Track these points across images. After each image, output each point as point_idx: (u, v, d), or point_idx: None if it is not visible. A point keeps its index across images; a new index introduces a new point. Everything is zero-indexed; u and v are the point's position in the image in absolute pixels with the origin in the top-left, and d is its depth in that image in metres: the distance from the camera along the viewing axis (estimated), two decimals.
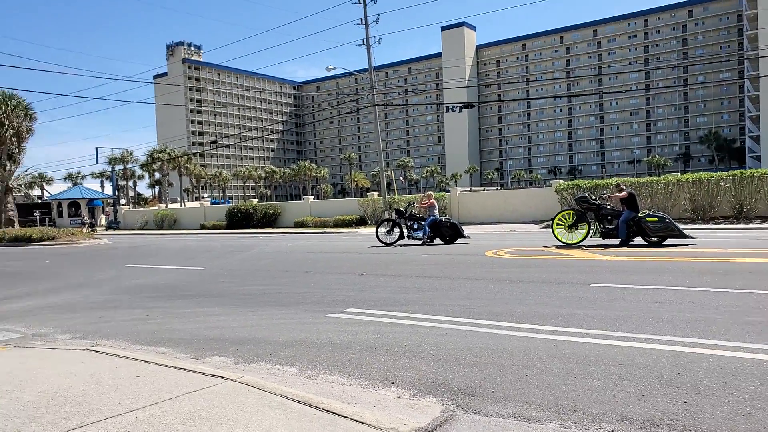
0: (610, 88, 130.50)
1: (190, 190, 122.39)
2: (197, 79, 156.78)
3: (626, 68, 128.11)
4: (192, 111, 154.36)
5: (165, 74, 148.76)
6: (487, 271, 10.35)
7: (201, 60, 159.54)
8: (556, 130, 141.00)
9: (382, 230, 17.44)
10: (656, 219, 12.95)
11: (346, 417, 3.58)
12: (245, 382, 4.17)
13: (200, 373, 4.42)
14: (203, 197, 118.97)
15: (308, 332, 6.11)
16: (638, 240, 13.44)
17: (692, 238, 13.09)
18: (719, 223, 19.57)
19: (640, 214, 13.20)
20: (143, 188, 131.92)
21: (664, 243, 13.02)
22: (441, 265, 11.45)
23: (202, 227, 37.09)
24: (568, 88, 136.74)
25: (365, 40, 31.11)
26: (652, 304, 6.64)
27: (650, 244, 13.05)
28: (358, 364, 4.89)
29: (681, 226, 13.65)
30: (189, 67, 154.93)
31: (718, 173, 21.35)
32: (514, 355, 4.89)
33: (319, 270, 11.69)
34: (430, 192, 19.16)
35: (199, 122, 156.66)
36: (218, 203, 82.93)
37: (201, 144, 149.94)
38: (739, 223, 19.25)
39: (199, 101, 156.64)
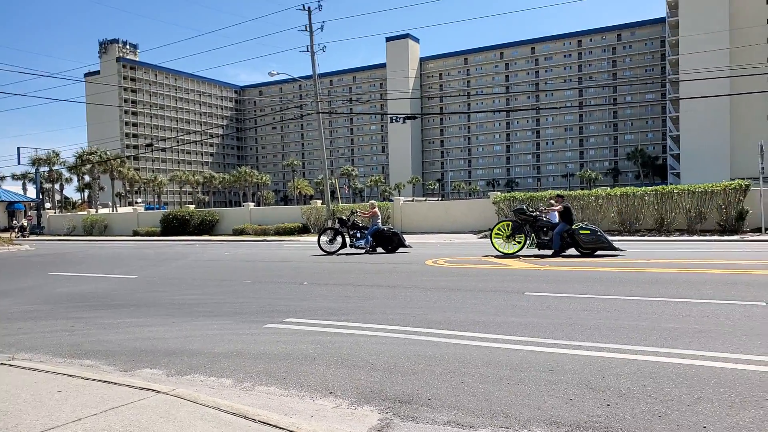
0: (546, 104, 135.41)
1: (123, 194, 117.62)
2: (133, 79, 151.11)
3: (561, 86, 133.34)
4: (126, 112, 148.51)
5: (97, 72, 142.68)
6: (427, 279, 10.49)
7: (137, 59, 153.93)
8: (494, 144, 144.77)
9: (324, 239, 17.37)
10: (588, 231, 13.54)
11: (282, 428, 3.55)
12: (177, 395, 4.06)
13: (129, 386, 4.26)
14: (137, 202, 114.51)
15: (245, 343, 6.01)
16: (572, 251, 14.00)
17: (621, 250, 13.75)
18: (643, 235, 20.61)
19: (573, 227, 13.76)
20: (71, 192, 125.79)
21: (596, 254, 13.62)
22: (382, 274, 11.52)
23: (135, 234, 35.73)
24: (507, 103, 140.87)
25: (309, 47, 31.02)
26: (581, 312, 6.93)
27: (582, 255, 13.61)
28: (296, 375, 4.86)
29: (610, 238, 14.32)
30: (124, 67, 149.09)
31: (643, 188, 22.50)
32: (451, 363, 4.99)
33: (259, 279, 11.51)
34: (373, 201, 19.26)
35: (134, 124, 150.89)
36: (153, 209, 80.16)
37: (135, 147, 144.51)
38: (661, 236, 20.34)
39: (134, 102, 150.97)
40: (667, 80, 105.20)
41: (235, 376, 4.90)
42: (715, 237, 18.88)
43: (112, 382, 4.34)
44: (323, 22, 31.53)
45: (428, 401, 4.12)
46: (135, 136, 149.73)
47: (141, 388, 4.17)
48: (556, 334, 5.83)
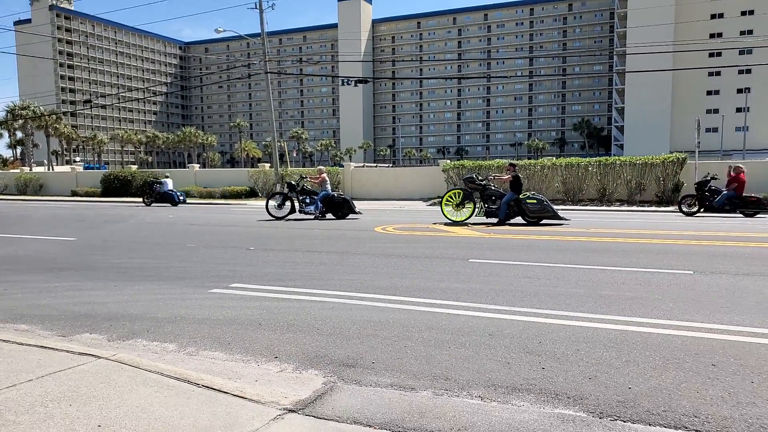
0: (498, 72, 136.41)
1: (60, 152, 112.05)
2: (68, 30, 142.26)
3: (513, 54, 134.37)
4: (62, 65, 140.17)
5: (28, 21, 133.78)
6: (375, 246, 10.58)
7: (72, 9, 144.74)
8: (445, 111, 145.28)
9: (272, 203, 17.15)
10: (535, 201, 13.93)
11: (226, 392, 3.57)
12: (119, 360, 4.00)
13: (67, 351, 4.16)
14: (75, 161, 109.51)
15: (189, 308, 5.94)
16: (518, 219, 14.38)
17: (566, 219, 14.24)
18: (586, 205, 21.37)
19: (521, 196, 14.11)
20: (2, 149, 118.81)
21: (541, 223, 14.04)
22: (331, 240, 11.54)
23: (74, 194, 34.27)
24: (459, 70, 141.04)
25: (258, 3, 29.98)
26: (522, 279, 7.17)
27: (528, 224, 14.01)
28: (241, 340, 4.86)
29: (555, 208, 14.78)
30: (58, 16, 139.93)
31: (587, 159, 23.20)
32: (395, 328, 5.10)
33: (204, 243, 11.32)
34: (321, 167, 19.13)
35: (71, 78, 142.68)
36: (92, 168, 76.94)
37: (72, 102, 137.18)
38: (602, 205, 21.15)
39: (70, 55, 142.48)
40: (614, 52, 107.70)
41: (179, 341, 4.85)
42: (653, 208, 19.78)
43: (49, 347, 4.22)
44: None
45: (372, 365, 4.21)
46: (72, 91, 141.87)
47: (80, 354, 4.08)
48: (497, 300, 6.03)
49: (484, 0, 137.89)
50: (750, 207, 16.09)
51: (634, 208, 20.11)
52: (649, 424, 3.21)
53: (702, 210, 16.71)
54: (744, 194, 16.34)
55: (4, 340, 4.40)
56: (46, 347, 4.26)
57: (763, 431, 3.10)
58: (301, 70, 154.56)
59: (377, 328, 5.09)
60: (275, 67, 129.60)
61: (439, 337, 4.81)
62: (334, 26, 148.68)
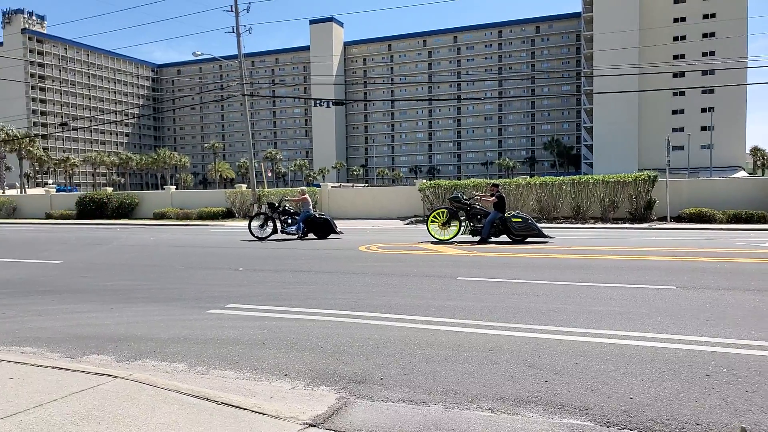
0: (468, 93, 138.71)
1: (32, 175, 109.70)
2: (40, 53, 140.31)
3: (482, 75, 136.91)
4: (33, 88, 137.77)
5: (0, 44, 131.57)
6: (363, 265, 10.73)
7: (44, 32, 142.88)
8: (417, 131, 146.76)
9: (255, 224, 17.18)
10: (520, 219, 14.31)
11: (246, 409, 3.68)
12: (136, 380, 4.08)
13: (84, 372, 4.22)
14: (48, 183, 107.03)
15: (191, 328, 6.01)
16: (503, 237, 14.70)
17: (550, 237, 14.65)
18: (561, 223, 21.85)
19: (506, 215, 14.46)
20: None
21: (526, 241, 14.38)
22: (318, 260, 11.65)
23: (48, 216, 33.62)
24: (430, 91, 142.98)
25: (235, 27, 30.22)
26: (512, 296, 7.41)
27: (514, 242, 14.34)
28: (249, 359, 4.96)
29: None
30: (30, 39, 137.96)
31: (561, 178, 23.72)
32: (397, 344, 5.26)
33: (192, 265, 11.31)
34: (303, 188, 19.24)
35: (42, 101, 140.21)
36: (65, 190, 75.43)
37: (44, 125, 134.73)
38: (577, 223, 21.66)
39: (42, 77, 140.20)
40: (582, 74, 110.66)
41: (187, 361, 4.93)
42: (626, 225, 20.34)
43: (65, 368, 4.27)
44: (249, 2, 30.75)
45: (381, 381, 4.36)
46: (44, 113, 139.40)
47: (98, 374, 4.15)
48: (491, 317, 6.23)
49: (453, 23, 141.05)
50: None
51: (609, 225, 20.66)
52: None
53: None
54: None
55: (18, 362, 4.43)
56: (62, 368, 4.31)
57: None
58: (273, 91, 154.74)
59: (379, 346, 5.24)
60: (249, 89, 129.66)
61: (441, 354, 4.98)
62: (306, 48, 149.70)
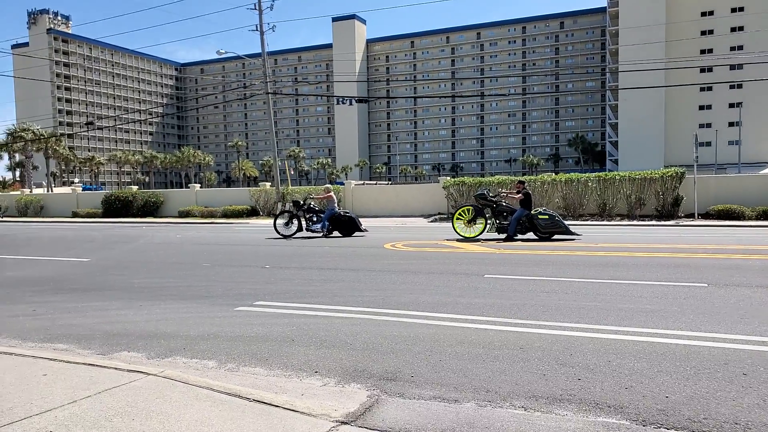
0: (491, 90, 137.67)
1: (58, 174, 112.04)
2: (65, 53, 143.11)
3: (506, 72, 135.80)
4: (59, 87, 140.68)
5: (26, 45, 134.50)
6: (389, 263, 10.71)
7: (70, 32, 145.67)
8: (440, 128, 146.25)
9: (280, 222, 17.28)
10: (546, 216, 14.14)
11: (278, 406, 3.68)
12: (167, 376, 4.10)
13: (116, 368, 4.27)
14: (74, 182, 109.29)
15: (219, 326, 6.05)
16: (530, 235, 14.55)
17: (577, 234, 14.45)
18: (586, 220, 21.54)
19: (533, 212, 14.31)
20: (1, 171, 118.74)
21: (553, 238, 14.21)
22: (344, 258, 11.66)
23: (75, 215, 34.29)
24: (453, 88, 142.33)
25: (259, 26, 30.44)
26: (540, 293, 7.31)
27: (540, 239, 14.18)
28: (279, 356, 4.96)
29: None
30: (55, 39, 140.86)
31: (587, 174, 23.44)
32: (426, 342, 5.22)
33: (218, 262, 11.42)
34: (328, 185, 19.28)
35: (68, 100, 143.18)
36: (91, 189, 76.89)
37: (69, 124, 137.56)
38: (603, 220, 21.34)
39: (67, 77, 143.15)
40: (607, 69, 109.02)
41: (217, 358, 4.96)
42: (653, 222, 19.98)
43: (97, 365, 4.32)
44: (273, 1, 30.94)
45: (411, 378, 4.33)
46: (69, 113, 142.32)
47: (129, 371, 4.19)
48: (520, 315, 6.15)
49: (476, 19, 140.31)
50: None
51: (635, 222, 20.31)
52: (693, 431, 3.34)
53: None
54: None
55: (51, 359, 4.50)
56: (93, 365, 4.36)
57: None
58: (296, 89, 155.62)
59: (408, 344, 5.20)
60: (272, 88, 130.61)
61: (472, 351, 4.93)
62: (329, 46, 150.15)
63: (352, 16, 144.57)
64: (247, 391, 3.89)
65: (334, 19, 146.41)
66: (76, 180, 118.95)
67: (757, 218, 19.34)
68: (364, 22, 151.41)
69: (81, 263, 11.88)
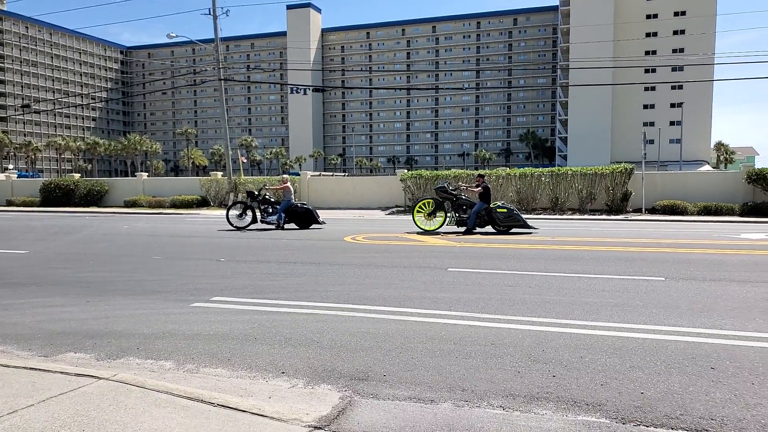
0: (446, 84, 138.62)
1: None
2: None
3: (460, 66, 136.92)
4: None
5: None
6: (351, 256, 10.49)
7: (4, 9, 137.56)
8: (395, 121, 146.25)
9: (233, 213, 16.74)
10: (505, 210, 14.22)
11: (244, 411, 3.44)
12: (121, 380, 3.78)
13: (62, 372, 3.90)
14: (7, 168, 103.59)
15: (175, 323, 5.71)
16: (488, 228, 14.60)
17: (534, 228, 14.59)
18: (539, 214, 21.90)
19: (491, 206, 14.36)
20: None
21: (510, 231, 14.30)
22: (303, 251, 11.35)
23: (10, 204, 32.44)
24: (408, 81, 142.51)
25: (212, 9, 29.47)
26: (504, 287, 7.26)
27: (498, 232, 14.25)
28: (241, 355, 4.70)
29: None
30: None
31: (540, 169, 23.80)
32: (396, 339, 5.06)
33: (170, 255, 10.92)
34: (285, 176, 18.78)
35: (1, 81, 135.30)
36: (26, 176, 73.05)
37: (2, 107, 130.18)
38: (555, 214, 21.75)
39: (0, 57, 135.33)
40: (558, 66, 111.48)
41: (175, 358, 4.65)
42: (603, 216, 20.48)
43: (39, 369, 3.94)
44: None
45: (384, 378, 4.16)
46: (2, 95, 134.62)
47: (77, 375, 3.83)
48: (487, 309, 6.07)
49: (432, 12, 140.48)
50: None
51: (586, 216, 20.78)
52: (672, 428, 3.30)
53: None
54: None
55: None
56: (35, 369, 3.98)
57: None
58: (249, 77, 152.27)
59: (378, 340, 5.03)
60: (225, 74, 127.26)
61: (443, 348, 4.79)
62: (283, 34, 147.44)
63: (308, 5, 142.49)
64: (211, 395, 3.63)
65: (289, 7, 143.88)
66: (11, 166, 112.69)
67: (698, 213, 20.14)
68: (319, 11, 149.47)
69: (18, 256, 11.13)
